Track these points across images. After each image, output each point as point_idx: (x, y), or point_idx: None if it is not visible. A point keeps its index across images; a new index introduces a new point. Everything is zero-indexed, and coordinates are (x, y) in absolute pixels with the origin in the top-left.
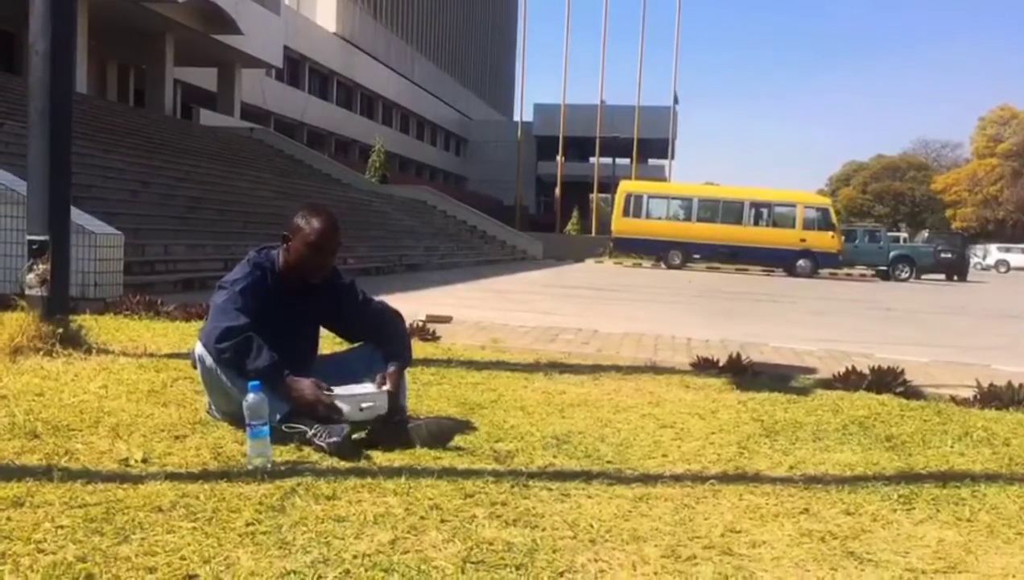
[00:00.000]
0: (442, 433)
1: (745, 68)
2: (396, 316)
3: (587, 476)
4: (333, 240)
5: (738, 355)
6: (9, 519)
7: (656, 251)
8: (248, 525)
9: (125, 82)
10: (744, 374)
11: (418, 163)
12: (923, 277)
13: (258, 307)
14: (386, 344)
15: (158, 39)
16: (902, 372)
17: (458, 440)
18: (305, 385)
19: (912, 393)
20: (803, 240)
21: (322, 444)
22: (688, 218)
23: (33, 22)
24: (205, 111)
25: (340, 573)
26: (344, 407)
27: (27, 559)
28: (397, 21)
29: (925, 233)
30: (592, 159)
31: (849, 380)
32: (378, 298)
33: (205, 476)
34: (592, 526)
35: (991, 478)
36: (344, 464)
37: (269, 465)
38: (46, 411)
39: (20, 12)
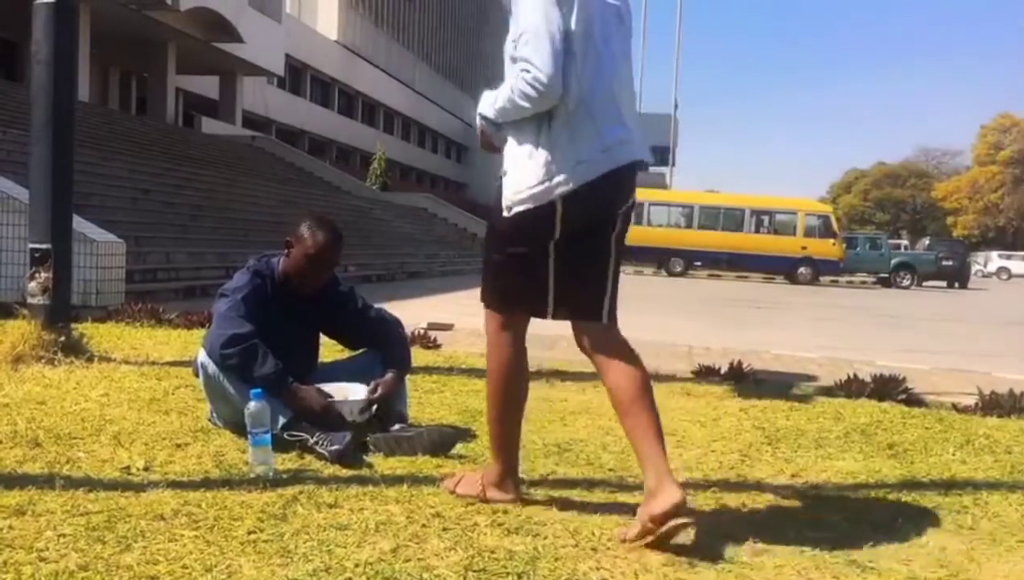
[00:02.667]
0: (444, 441)
1: (746, 76)
2: (395, 323)
3: (589, 484)
4: (334, 255)
5: (739, 362)
6: (11, 527)
7: (657, 258)
8: (250, 533)
9: (127, 90)
10: (745, 381)
11: (419, 170)
12: (924, 284)
13: (259, 315)
14: (386, 351)
15: (160, 47)
16: (904, 379)
17: (460, 448)
18: (310, 393)
19: (914, 401)
20: (804, 247)
21: (324, 452)
22: (689, 225)
23: (36, 31)
24: (207, 119)
25: None
26: (343, 412)
27: (29, 568)
28: (399, 29)
29: (926, 240)
30: None
31: (851, 387)
32: (378, 305)
33: (207, 484)
34: (594, 534)
35: (993, 486)
36: (346, 472)
37: (271, 473)
38: (48, 419)
39: (23, 21)
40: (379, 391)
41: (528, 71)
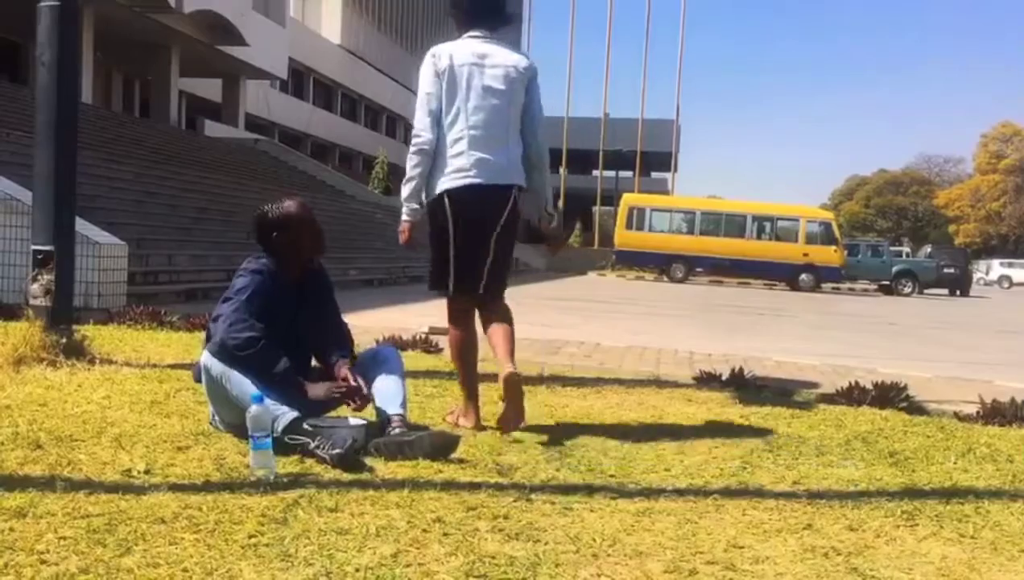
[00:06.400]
0: (444, 445)
1: (748, 82)
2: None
3: (589, 490)
4: (309, 211)
5: (741, 369)
6: (12, 529)
7: (659, 264)
8: (251, 537)
9: (130, 93)
10: (747, 388)
11: None
12: (926, 292)
13: (265, 310)
14: (333, 337)
15: (164, 50)
16: (905, 387)
17: (460, 453)
18: (315, 387)
19: (915, 408)
20: (806, 254)
21: (325, 455)
22: (691, 231)
23: (40, 34)
24: (210, 122)
25: None
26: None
27: (29, 570)
28: (401, 33)
29: (928, 248)
30: (595, 172)
31: (852, 395)
32: (379, 310)
33: (208, 487)
34: (595, 540)
35: (994, 495)
36: (347, 476)
37: (272, 477)
38: (49, 421)
39: (27, 24)
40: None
41: (414, 136)
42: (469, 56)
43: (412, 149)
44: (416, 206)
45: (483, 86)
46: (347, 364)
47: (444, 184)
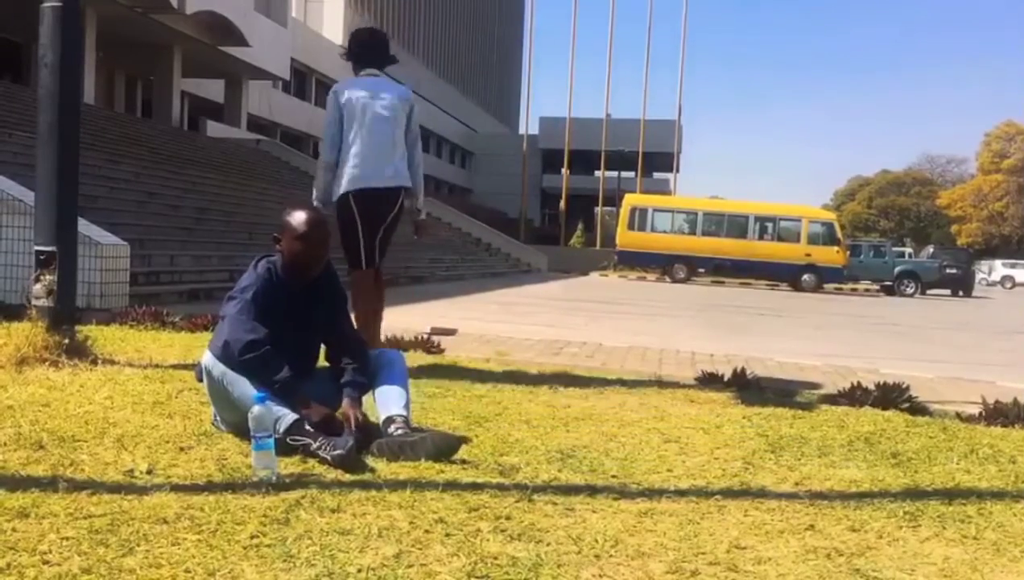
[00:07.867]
0: (447, 446)
1: (750, 82)
2: (364, 342)
3: (592, 490)
4: (320, 230)
5: (743, 370)
6: (14, 530)
7: (661, 264)
8: (253, 538)
9: (133, 93)
10: (749, 389)
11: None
12: (928, 292)
13: (268, 310)
14: (348, 353)
15: (166, 51)
16: (907, 388)
17: (463, 453)
18: (315, 407)
19: (918, 409)
20: (808, 254)
21: (327, 456)
22: (693, 232)
23: (42, 35)
24: (212, 122)
25: None
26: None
27: (32, 570)
28: (403, 34)
29: (930, 248)
30: (597, 172)
31: (854, 396)
32: (381, 310)
33: (210, 488)
34: (597, 541)
35: (997, 495)
36: (349, 477)
37: (274, 477)
38: (52, 422)
39: (29, 24)
40: (354, 421)
41: (321, 153)
42: (363, 91)
43: (319, 164)
44: (321, 205)
45: (375, 113)
46: (357, 404)
47: (347, 187)
